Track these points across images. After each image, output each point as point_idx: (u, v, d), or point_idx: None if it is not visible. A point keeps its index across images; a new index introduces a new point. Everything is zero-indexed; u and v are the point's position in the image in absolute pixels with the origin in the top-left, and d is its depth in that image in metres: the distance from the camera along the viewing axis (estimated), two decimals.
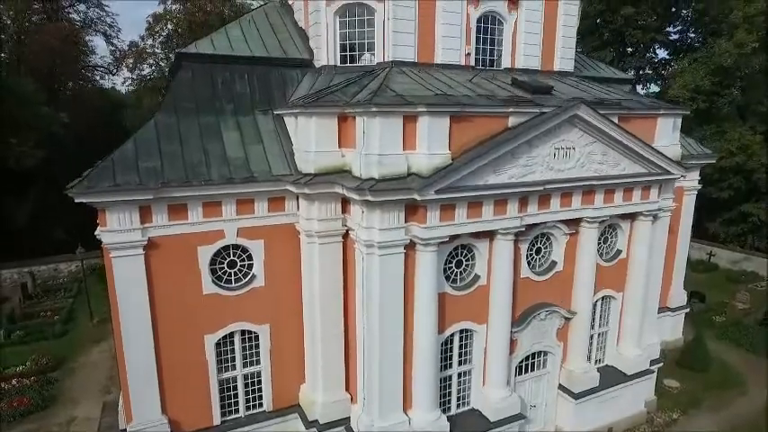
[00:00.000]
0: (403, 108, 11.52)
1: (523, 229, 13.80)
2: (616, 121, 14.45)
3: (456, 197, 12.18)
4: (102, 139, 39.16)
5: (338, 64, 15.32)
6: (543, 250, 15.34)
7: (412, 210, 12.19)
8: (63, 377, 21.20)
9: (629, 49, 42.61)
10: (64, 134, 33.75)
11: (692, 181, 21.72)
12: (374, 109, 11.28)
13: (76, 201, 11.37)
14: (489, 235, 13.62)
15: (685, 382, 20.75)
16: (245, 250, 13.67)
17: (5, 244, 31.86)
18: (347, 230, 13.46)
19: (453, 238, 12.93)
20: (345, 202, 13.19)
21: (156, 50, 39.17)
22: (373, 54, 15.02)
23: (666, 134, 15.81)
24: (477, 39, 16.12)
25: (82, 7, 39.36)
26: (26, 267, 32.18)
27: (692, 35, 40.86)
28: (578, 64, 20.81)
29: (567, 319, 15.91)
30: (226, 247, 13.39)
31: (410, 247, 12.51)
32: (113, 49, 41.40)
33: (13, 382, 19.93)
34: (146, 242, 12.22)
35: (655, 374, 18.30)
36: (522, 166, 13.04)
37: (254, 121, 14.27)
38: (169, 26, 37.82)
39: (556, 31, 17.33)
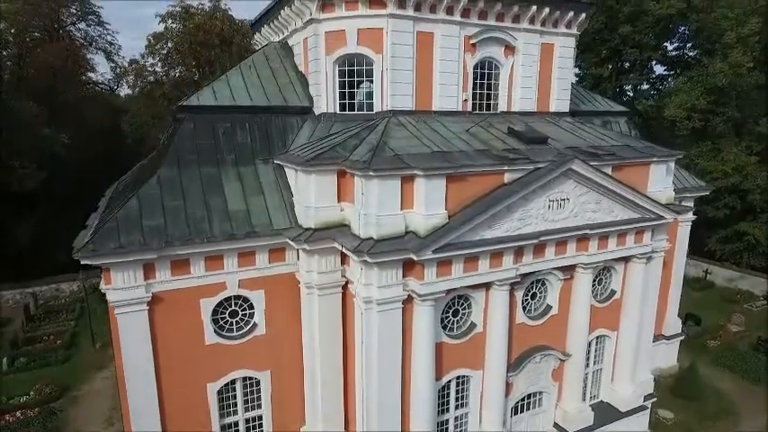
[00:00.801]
0: (400, 171, 11.81)
1: (519, 279, 14.11)
2: (610, 170, 14.75)
3: (453, 254, 12.47)
4: (101, 149, 39.51)
5: (338, 111, 15.58)
6: (538, 295, 15.64)
7: (410, 266, 12.49)
8: (67, 407, 21.48)
9: (627, 64, 42.93)
10: (64, 152, 33.96)
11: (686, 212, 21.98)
12: (372, 172, 11.57)
13: (82, 262, 11.64)
14: (485, 285, 13.92)
15: (679, 412, 21.07)
16: (246, 300, 13.97)
17: (7, 264, 32.16)
18: (347, 281, 13.77)
19: (450, 290, 13.23)
20: (345, 255, 13.47)
21: (157, 69, 39.41)
22: (372, 103, 15.27)
23: (659, 179, 16.11)
24: (475, 84, 16.41)
25: (82, 25, 39.55)
26: (28, 288, 32.53)
27: (689, 53, 41.14)
28: (575, 98, 21.08)
29: (562, 360, 16.22)
30: (227, 298, 13.69)
31: (408, 300, 12.82)
32: (114, 65, 41.73)
33: (18, 414, 20.20)
34: (149, 298, 12.52)
35: (649, 409, 18.61)
36: (517, 219, 13.34)
37: (254, 171, 14.55)
38: (169, 44, 38.00)
39: (552, 73, 17.62)
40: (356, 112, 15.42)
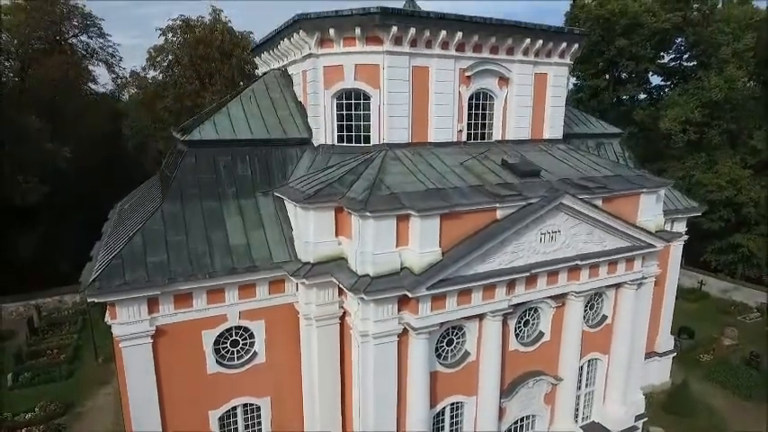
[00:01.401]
0: (396, 211, 12.23)
1: (511, 310, 14.53)
2: (600, 202, 15.16)
3: (447, 290, 12.89)
4: (102, 156, 39.77)
5: (336, 143, 15.97)
6: (531, 322, 16.07)
7: (405, 300, 12.90)
8: (71, 423, 21.93)
9: (624, 75, 43.25)
10: (65, 165, 34.30)
11: (678, 231, 22.40)
12: (368, 213, 11.99)
13: (89, 300, 12.07)
14: (479, 315, 14.33)
15: (671, 428, 21.50)
16: (246, 330, 14.40)
17: (10, 275, 32.56)
18: (344, 312, 14.19)
19: (445, 321, 13.65)
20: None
21: (158, 78, 39.75)
22: (369, 135, 15.64)
23: (649, 208, 16.51)
24: (469, 114, 16.79)
25: (84, 37, 39.88)
26: (32, 300, 32.95)
27: (686, 63, 41.48)
28: (569, 119, 21.49)
29: (555, 384, 16.65)
30: (229, 329, 14.12)
31: (403, 333, 13.24)
32: (115, 76, 42.04)
33: (23, 431, 20.64)
34: (153, 331, 12.95)
35: (640, 429, 19.04)
36: (509, 252, 13.76)
37: (255, 203, 14.96)
38: (170, 57, 38.34)
39: (545, 101, 18.01)
40: (354, 145, 15.79)
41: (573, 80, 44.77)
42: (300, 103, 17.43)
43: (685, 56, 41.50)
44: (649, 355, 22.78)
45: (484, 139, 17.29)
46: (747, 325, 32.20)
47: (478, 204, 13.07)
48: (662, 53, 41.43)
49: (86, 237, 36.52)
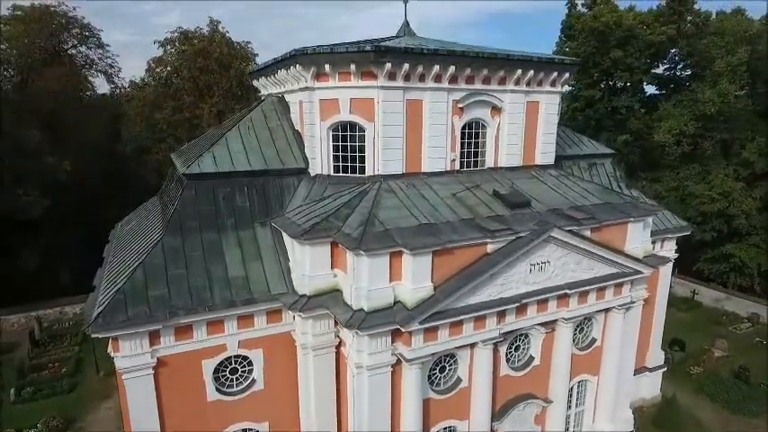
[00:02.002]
0: (389, 249, 12.66)
1: (502, 338, 14.99)
2: (589, 232, 15.60)
3: (438, 323, 13.33)
4: (100, 164, 40.01)
5: (332, 173, 16.37)
6: (522, 347, 16.54)
7: (398, 332, 13.34)
8: None
9: (620, 84, 43.63)
10: (65, 177, 34.61)
11: (668, 251, 22.89)
12: (362, 251, 12.42)
13: (93, 336, 12.48)
14: (470, 344, 14.78)
15: None
16: (245, 358, 14.83)
17: (11, 287, 32.93)
18: (340, 341, 14.63)
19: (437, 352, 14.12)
20: None
21: (158, 89, 40.04)
22: (364, 166, 16.04)
23: (637, 235, 16.95)
24: (462, 143, 17.19)
25: (83, 48, 40.11)
26: (33, 311, 33.36)
27: (680, 73, 41.90)
28: (562, 140, 21.91)
29: (545, 406, 17.14)
30: (228, 358, 14.55)
31: (397, 363, 13.69)
32: (114, 86, 42.33)
33: None
34: (155, 363, 13.38)
35: None
36: (499, 284, 14.21)
37: (253, 235, 15.38)
38: (169, 68, 38.65)
39: (537, 128, 18.40)
40: (349, 175, 16.19)
41: (568, 88, 45.21)
42: (298, 131, 17.81)
43: (679, 65, 41.99)
44: (640, 370, 23.30)
45: (477, 166, 17.70)
46: (738, 335, 32.75)
47: (469, 240, 13.50)
48: (657, 62, 41.89)
49: (86, 247, 37.08)
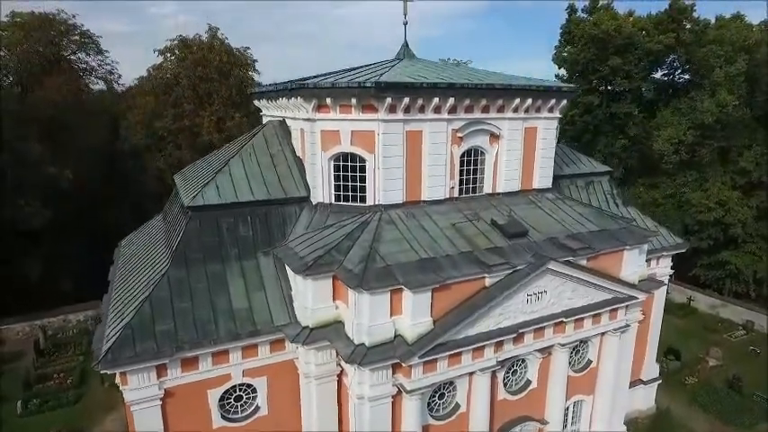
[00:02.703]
0: (390, 287, 12.99)
1: (499, 366, 15.39)
2: (585, 261, 15.94)
3: (438, 356, 13.71)
4: (102, 173, 40.19)
5: (333, 202, 16.65)
6: (519, 371, 16.95)
7: (398, 364, 13.71)
8: None
9: (618, 90, 43.75)
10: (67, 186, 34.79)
11: (664, 268, 23.28)
12: (363, 290, 12.75)
13: (101, 371, 12.84)
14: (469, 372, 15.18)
15: None
16: (249, 385, 15.23)
17: (14, 297, 33.29)
18: (342, 370, 15.02)
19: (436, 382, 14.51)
20: None
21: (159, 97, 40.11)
22: (365, 196, 16.32)
23: (633, 261, 17.30)
24: (461, 170, 17.46)
25: (82, 54, 40.13)
26: (37, 320, 33.76)
27: (679, 78, 42.02)
28: (560, 159, 22.17)
29: (541, 427, 17.59)
30: (233, 386, 14.94)
31: (397, 393, 14.09)
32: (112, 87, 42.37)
33: None
34: (162, 394, 13.76)
35: None
36: (497, 315, 14.57)
37: (256, 264, 15.70)
38: (168, 75, 38.70)
39: (535, 153, 18.66)
40: (351, 204, 16.47)
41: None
42: (299, 158, 18.06)
43: (678, 71, 42.12)
44: (635, 383, 23.76)
45: (476, 192, 17.97)
46: (733, 343, 33.27)
47: (468, 276, 13.83)
48: (655, 69, 41.99)
49: (86, 253, 37.37)
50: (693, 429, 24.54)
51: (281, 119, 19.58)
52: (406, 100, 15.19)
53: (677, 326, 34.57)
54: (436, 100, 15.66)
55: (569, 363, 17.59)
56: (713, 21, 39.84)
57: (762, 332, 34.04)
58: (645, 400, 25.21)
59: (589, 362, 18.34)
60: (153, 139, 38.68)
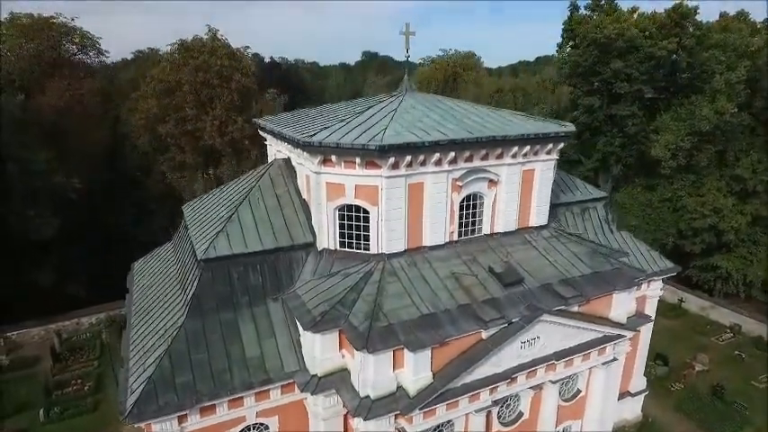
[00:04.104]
0: (393, 347, 13.99)
1: (494, 405, 16.57)
2: (576, 307, 16.90)
3: (437, 406, 14.84)
4: (105, 177, 40.74)
5: (338, 248, 17.46)
6: (512, 405, 18.16)
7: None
8: None
9: (620, 92, 43.75)
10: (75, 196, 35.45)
11: (654, 290, 24.28)
12: (368, 351, 13.75)
13: (128, 424, 13.96)
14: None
15: None
16: (262, 424, 16.43)
17: (29, 304, 34.46)
18: (348, 410, 16.19)
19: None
20: None
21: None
22: (369, 244, 17.12)
23: (622, 303, 18.28)
24: (460, 215, 18.19)
25: (82, 56, 40.03)
26: (51, 324, 35.06)
27: (681, 76, 41.91)
28: (556, 187, 22.77)
29: None
30: (247, 426, 16.14)
31: None
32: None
33: None
34: None
35: None
36: (493, 363, 15.63)
37: (266, 310, 16.66)
38: (170, 78, 38.73)
39: (532, 193, 19.35)
40: (355, 251, 17.29)
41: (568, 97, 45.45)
42: (304, 200, 18.75)
43: (678, 72, 41.98)
44: (623, 395, 25.14)
45: (474, 233, 18.75)
46: (720, 346, 34.66)
47: (466, 331, 14.82)
48: (658, 70, 41.86)
49: (95, 257, 38.34)
50: None
51: (287, 158, 20.15)
52: (408, 157, 15.80)
53: (668, 327, 35.83)
54: (437, 155, 16.26)
55: (559, 393, 18.80)
56: (717, 17, 39.49)
57: (748, 336, 35.40)
58: (632, 410, 26.66)
59: (578, 391, 19.57)
60: (156, 142, 39.06)
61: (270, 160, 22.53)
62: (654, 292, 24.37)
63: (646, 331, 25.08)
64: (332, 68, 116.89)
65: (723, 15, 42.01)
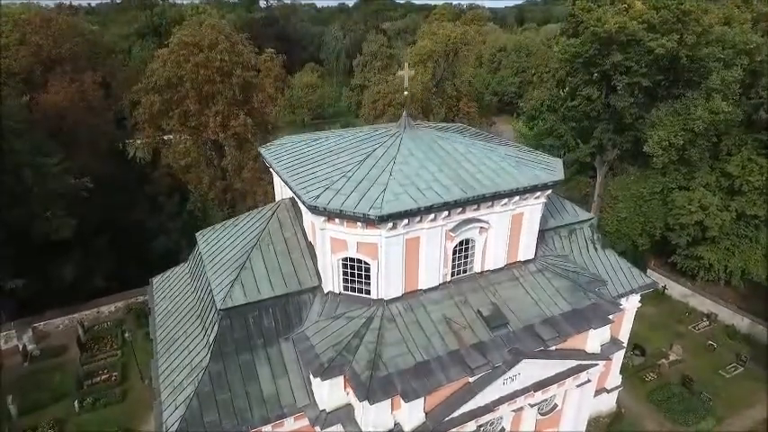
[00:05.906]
0: (391, 396, 16.21)
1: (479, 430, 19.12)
2: (554, 346, 19.01)
3: None
4: (112, 172, 41.94)
5: (342, 292, 19.30)
6: (495, 424, 20.73)
7: None
8: None
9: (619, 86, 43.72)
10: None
11: (633, 304, 26.41)
12: (368, 402, 15.98)
13: None
14: None
15: None
16: None
17: (53, 298, 36.80)
18: None
19: None
20: None
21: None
22: (370, 289, 18.96)
23: (597, 336, 20.41)
24: (453, 257, 19.89)
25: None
26: (74, 314, 37.67)
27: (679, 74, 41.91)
28: (546, 210, 24.26)
29: None
30: None
31: None
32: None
33: None
34: None
35: None
36: (477, 400, 17.95)
37: (279, 350, 18.78)
38: (171, 73, 38.95)
39: (521, 232, 20.91)
40: (357, 295, 19.16)
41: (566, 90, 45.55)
42: (310, 243, 20.37)
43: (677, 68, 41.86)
44: (599, 391, 27.92)
45: (466, 272, 20.49)
46: (695, 335, 37.37)
47: (455, 380, 16.99)
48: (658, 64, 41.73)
49: (111, 250, 40.26)
50: (645, 428, 29.15)
51: (293, 199, 21.54)
52: (406, 220, 17.29)
53: (648, 314, 38.11)
54: (432, 215, 17.73)
55: (538, 410, 21.35)
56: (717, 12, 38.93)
57: (722, 324, 38.01)
58: (607, 403, 29.60)
59: (555, 405, 22.13)
60: (160, 137, 39.93)
61: (275, 186, 24.05)
62: (632, 304, 26.51)
63: (623, 337, 27.44)
64: (330, 11, 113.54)
65: None
